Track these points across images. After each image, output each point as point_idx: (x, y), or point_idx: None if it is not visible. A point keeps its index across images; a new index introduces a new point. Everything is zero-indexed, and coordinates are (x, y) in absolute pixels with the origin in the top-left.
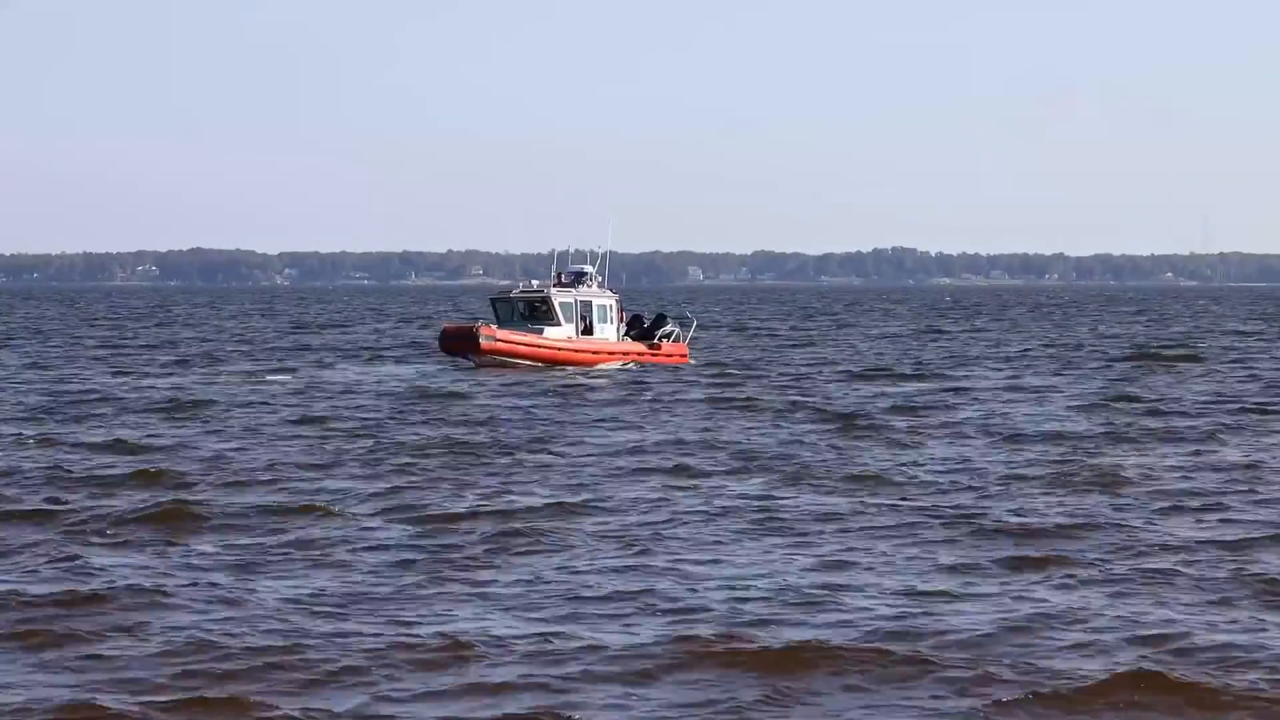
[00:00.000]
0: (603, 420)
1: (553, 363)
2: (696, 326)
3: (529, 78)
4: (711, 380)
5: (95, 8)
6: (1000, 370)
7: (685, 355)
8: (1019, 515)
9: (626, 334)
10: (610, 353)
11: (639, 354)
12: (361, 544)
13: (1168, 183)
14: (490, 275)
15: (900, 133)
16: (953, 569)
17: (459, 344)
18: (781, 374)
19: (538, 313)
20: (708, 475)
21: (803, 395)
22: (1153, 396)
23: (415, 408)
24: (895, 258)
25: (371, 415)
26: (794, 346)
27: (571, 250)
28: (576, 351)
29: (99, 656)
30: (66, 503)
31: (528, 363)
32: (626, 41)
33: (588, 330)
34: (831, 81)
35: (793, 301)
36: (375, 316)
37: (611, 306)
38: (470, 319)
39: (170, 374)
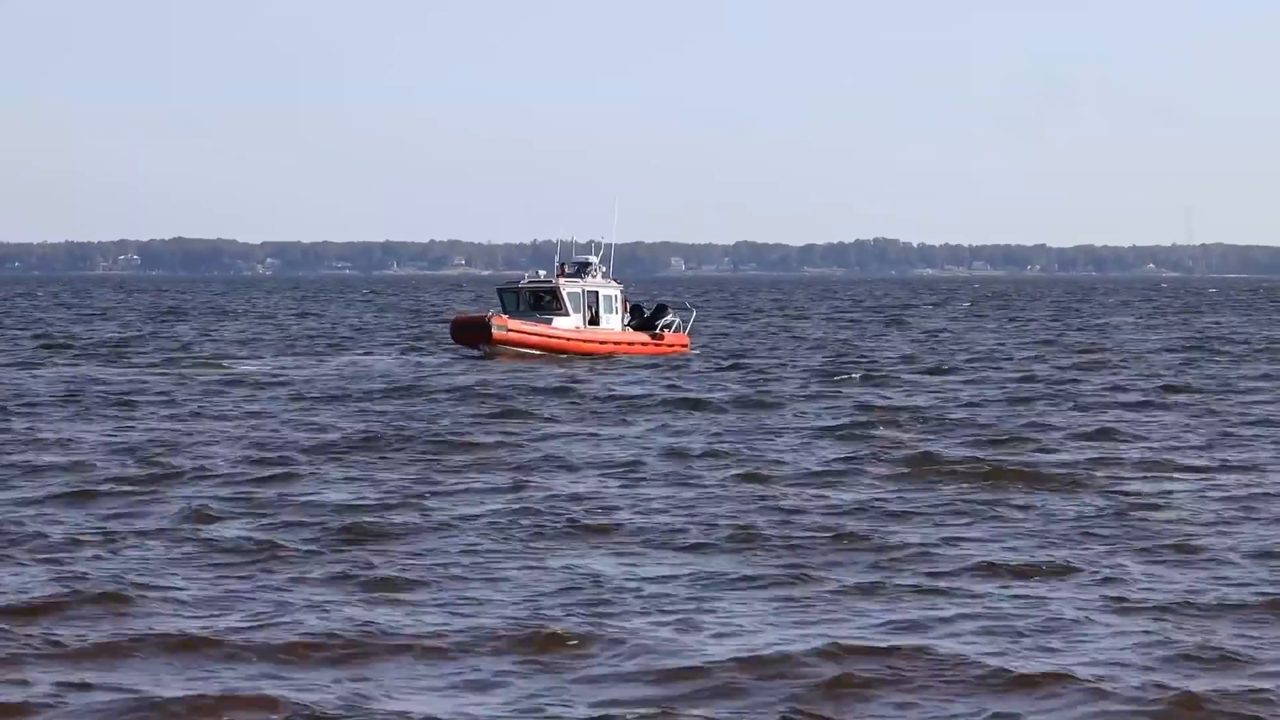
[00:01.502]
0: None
1: (562, 352)
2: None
3: (510, 70)
4: (707, 373)
5: (85, 4)
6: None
7: (686, 345)
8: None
9: (628, 324)
10: (616, 343)
11: (642, 344)
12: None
13: (1152, 175)
14: (472, 265)
15: (887, 128)
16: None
17: (471, 334)
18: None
19: (544, 303)
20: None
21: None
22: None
23: (404, 400)
24: (878, 249)
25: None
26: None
27: (574, 240)
28: (585, 341)
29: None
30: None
31: (538, 352)
32: (610, 34)
33: (594, 320)
34: (820, 78)
35: (763, 294)
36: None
37: (617, 296)
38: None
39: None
